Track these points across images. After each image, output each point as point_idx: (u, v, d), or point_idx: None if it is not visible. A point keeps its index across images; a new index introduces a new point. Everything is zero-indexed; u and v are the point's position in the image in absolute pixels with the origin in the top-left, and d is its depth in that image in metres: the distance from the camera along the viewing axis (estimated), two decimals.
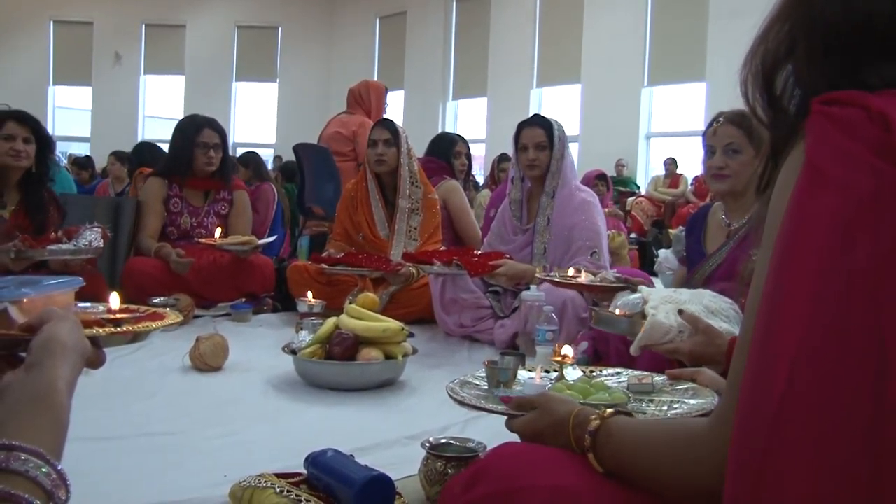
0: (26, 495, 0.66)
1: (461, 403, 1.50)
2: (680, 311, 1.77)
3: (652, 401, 1.51)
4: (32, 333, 0.84)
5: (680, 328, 1.78)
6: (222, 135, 4.16)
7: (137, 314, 1.17)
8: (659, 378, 1.60)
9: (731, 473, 0.71)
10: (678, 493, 0.87)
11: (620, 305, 2.04)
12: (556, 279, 2.83)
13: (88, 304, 1.18)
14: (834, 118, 0.70)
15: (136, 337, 1.09)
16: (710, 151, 2.54)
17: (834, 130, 0.70)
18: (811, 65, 0.78)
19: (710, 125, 2.56)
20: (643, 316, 1.88)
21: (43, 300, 1.00)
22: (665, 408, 1.45)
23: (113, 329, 1.06)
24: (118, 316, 1.13)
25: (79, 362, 0.85)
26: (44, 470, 0.69)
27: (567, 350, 1.78)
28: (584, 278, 2.76)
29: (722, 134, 2.50)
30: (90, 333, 0.97)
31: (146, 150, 5.57)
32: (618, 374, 1.70)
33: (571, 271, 2.86)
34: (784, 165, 0.76)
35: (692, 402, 1.45)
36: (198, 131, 4.09)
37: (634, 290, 2.53)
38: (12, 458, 0.68)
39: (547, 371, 1.74)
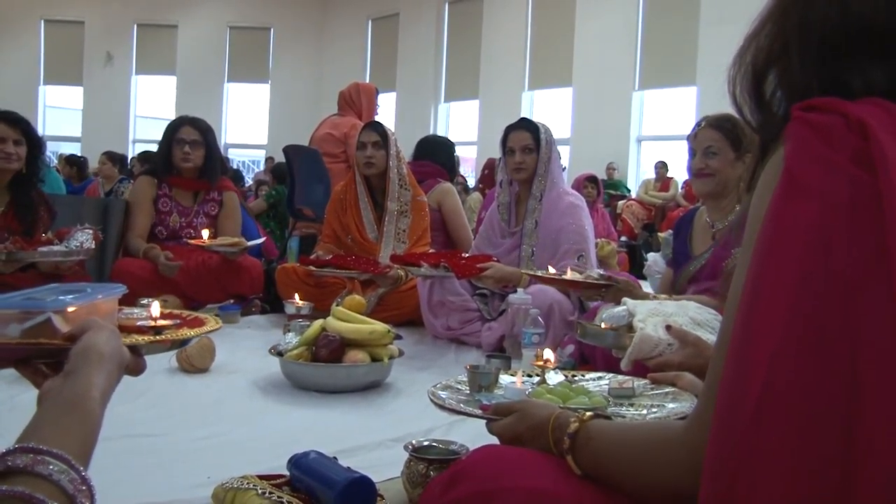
0: (47, 499, 0.66)
1: (441, 407, 1.51)
2: (668, 327, 1.78)
3: (632, 404, 1.52)
4: (74, 342, 0.86)
5: (669, 340, 1.79)
6: (205, 132, 4.15)
7: (179, 321, 1.18)
8: (640, 382, 1.61)
9: (706, 474, 0.72)
10: (655, 494, 0.88)
11: (606, 318, 2.04)
12: (542, 275, 2.91)
13: (134, 311, 1.19)
14: (813, 125, 0.71)
15: (174, 344, 1.10)
16: (692, 154, 2.63)
17: (813, 138, 0.70)
18: (803, 66, 0.78)
19: (693, 129, 2.63)
20: (629, 329, 1.89)
21: (87, 309, 1.01)
22: (644, 411, 1.46)
23: (153, 337, 1.08)
24: (159, 323, 1.14)
25: (115, 371, 0.86)
26: (67, 475, 0.70)
27: (549, 354, 1.78)
28: (569, 275, 2.81)
29: (702, 137, 2.58)
30: (130, 342, 0.99)
31: None
32: (599, 378, 1.72)
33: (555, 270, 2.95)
34: (764, 169, 0.76)
35: (671, 405, 1.46)
36: (177, 128, 4.12)
37: (619, 289, 2.58)
38: (37, 462, 0.69)
39: (529, 375, 1.75)
